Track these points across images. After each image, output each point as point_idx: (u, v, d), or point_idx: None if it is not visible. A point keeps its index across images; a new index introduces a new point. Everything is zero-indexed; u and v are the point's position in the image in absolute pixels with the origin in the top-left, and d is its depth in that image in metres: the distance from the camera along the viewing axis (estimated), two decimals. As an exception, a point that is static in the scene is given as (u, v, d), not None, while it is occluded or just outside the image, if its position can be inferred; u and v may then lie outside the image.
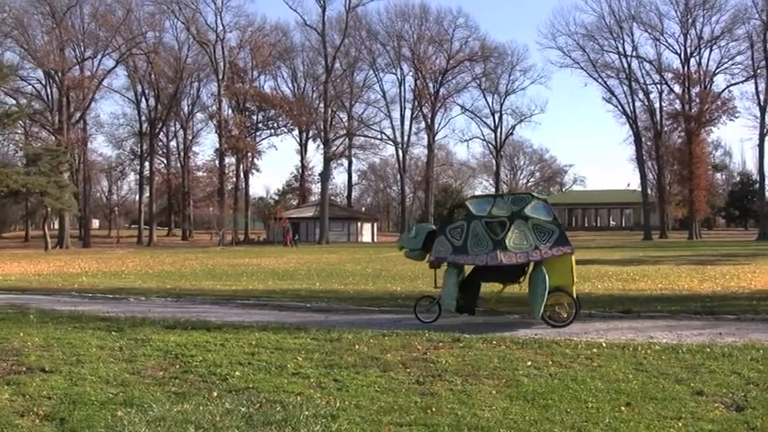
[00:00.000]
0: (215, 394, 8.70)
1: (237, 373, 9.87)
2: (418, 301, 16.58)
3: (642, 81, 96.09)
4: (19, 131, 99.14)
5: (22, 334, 13.39)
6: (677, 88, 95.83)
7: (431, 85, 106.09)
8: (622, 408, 8.03)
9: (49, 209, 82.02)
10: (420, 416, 7.74)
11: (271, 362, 10.58)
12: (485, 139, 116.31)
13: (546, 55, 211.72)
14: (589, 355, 11.00)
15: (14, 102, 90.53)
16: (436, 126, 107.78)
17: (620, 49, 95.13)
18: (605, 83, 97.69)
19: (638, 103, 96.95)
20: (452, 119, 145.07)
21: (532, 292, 15.09)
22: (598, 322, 15.35)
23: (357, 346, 11.69)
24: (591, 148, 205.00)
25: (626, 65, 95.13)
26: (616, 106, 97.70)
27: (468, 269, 16.54)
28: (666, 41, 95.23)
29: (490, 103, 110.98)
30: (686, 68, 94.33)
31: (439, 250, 15.90)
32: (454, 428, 7.29)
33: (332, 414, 7.77)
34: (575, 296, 15.26)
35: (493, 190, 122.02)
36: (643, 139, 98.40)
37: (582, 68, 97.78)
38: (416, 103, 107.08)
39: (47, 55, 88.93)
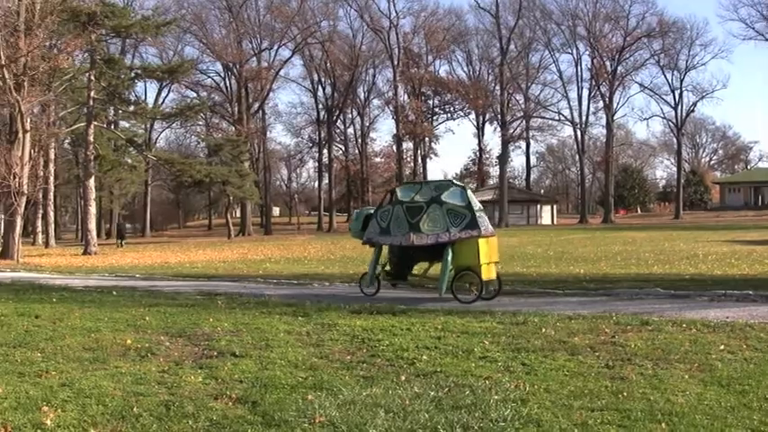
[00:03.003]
0: (403, 378, 8.73)
1: (425, 357, 9.90)
2: (362, 277, 19.17)
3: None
4: (200, 123, 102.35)
5: (211, 319, 13.77)
6: None
7: (608, 63, 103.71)
8: (826, 395, 7.64)
9: (232, 197, 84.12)
10: (611, 401, 7.58)
11: (457, 346, 10.56)
12: (665, 117, 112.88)
13: (727, 28, 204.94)
14: (787, 338, 10.55)
15: (195, 95, 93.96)
16: (615, 105, 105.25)
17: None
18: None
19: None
20: (631, 97, 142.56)
21: (441, 270, 17.08)
22: (794, 304, 14.78)
23: (543, 330, 11.56)
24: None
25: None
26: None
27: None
28: None
29: (670, 80, 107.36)
30: None
31: (370, 231, 18.35)
32: (647, 414, 7.10)
33: (521, 398, 7.68)
34: (486, 276, 16.76)
35: (675, 170, 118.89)
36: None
37: (766, 40, 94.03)
38: (594, 83, 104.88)
39: (225, 48, 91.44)
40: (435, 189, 17.46)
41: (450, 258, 16.75)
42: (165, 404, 7.79)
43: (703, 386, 8.09)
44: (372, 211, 18.75)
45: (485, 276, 16.66)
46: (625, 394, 7.78)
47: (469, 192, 17.48)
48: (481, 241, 16.63)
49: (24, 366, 9.90)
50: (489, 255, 16.94)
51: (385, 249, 18.75)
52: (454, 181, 18.33)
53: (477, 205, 17.05)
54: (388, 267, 18.68)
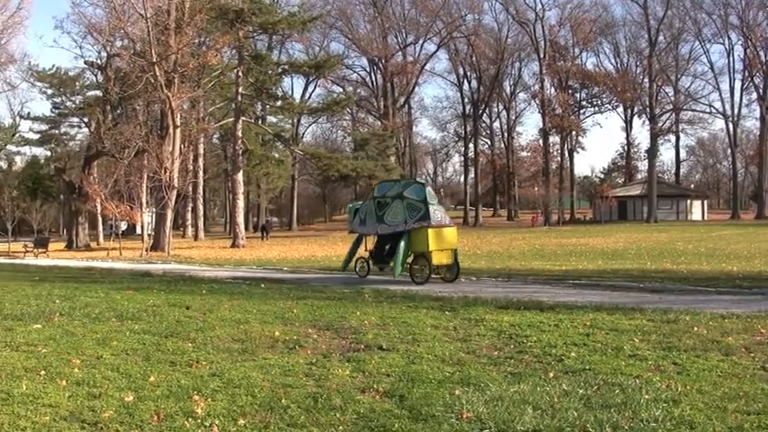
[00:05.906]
0: (551, 375, 8.56)
1: (573, 354, 9.71)
2: (356, 261, 22.60)
3: None
4: (347, 118, 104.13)
5: (358, 313, 13.84)
6: None
7: (762, 53, 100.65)
8: None
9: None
10: (769, 404, 7.29)
11: (606, 343, 10.34)
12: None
13: None
14: None
15: (341, 89, 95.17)
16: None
17: None
18: None
19: None
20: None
21: (395, 255, 20.29)
22: None
23: (695, 329, 11.21)
24: None
25: None
26: None
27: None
28: None
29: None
30: None
31: (354, 223, 22.34)
32: (808, 419, 6.81)
33: (673, 399, 7.43)
34: (438, 261, 20.14)
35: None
36: None
37: None
38: (747, 74, 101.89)
39: (370, 43, 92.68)
40: (402, 186, 21.04)
41: (403, 245, 20.02)
42: (313, 396, 7.83)
43: None
44: (359, 206, 22.53)
45: (437, 261, 20.05)
46: (783, 397, 7.46)
47: (428, 188, 20.80)
48: (431, 231, 19.78)
49: (176, 356, 10.12)
50: (441, 243, 20.09)
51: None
52: (417, 179, 21.14)
53: (433, 200, 20.29)
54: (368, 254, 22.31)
